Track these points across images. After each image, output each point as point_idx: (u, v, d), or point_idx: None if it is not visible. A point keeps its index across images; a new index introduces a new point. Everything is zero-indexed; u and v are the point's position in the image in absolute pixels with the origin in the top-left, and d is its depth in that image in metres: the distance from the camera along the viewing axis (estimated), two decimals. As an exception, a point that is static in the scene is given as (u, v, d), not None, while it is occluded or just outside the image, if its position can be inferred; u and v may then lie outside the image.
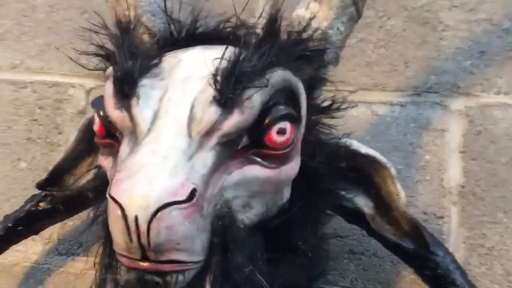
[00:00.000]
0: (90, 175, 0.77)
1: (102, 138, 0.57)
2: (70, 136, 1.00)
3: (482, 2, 0.95)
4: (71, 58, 0.74)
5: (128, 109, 0.52)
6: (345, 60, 0.91)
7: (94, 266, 0.60)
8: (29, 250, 0.96)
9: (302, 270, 0.64)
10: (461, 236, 0.85)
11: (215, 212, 0.49)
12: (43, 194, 0.83)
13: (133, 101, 0.52)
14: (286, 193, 0.60)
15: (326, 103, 0.65)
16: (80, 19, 1.07)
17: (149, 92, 0.53)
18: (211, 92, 0.51)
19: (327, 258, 0.72)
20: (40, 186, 0.78)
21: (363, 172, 0.66)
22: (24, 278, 0.97)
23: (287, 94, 0.56)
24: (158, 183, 0.45)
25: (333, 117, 0.66)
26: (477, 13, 0.94)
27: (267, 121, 0.52)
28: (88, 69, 0.67)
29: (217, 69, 0.52)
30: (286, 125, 0.53)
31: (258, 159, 0.53)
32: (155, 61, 0.57)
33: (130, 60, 0.54)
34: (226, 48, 0.54)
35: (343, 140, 0.65)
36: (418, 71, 0.94)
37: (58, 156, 0.93)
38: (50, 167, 0.80)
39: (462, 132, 0.89)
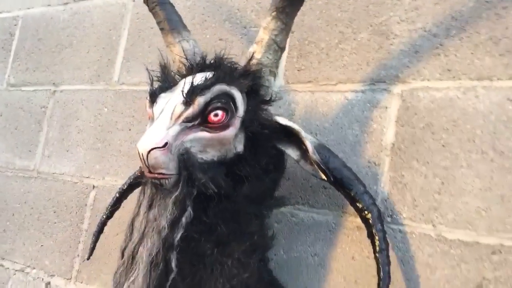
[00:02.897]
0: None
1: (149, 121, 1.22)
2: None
3: (420, 15, 1.33)
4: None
5: (151, 108, 1.15)
6: (329, 64, 1.42)
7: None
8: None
9: (257, 187, 1.19)
10: (388, 176, 1.29)
11: (178, 152, 1.08)
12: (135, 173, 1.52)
13: (154, 105, 1.15)
14: (239, 146, 1.16)
15: (267, 98, 1.19)
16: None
17: (161, 100, 1.14)
18: (181, 98, 1.11)
19: (275, 184, 1.26)
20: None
21: (287, 134, 1.18)
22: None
23: (224, 95, 1.11)
24: (150, 140, 1.06)
25: (271, 105, 1.19)
26: (416, 24, 1.34)
27: (208, 110, 1.10)
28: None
29: (184, 87, 1.11)
30: (218, 111, 1.09)
31: (206, 129, 1.09)
32: (172, 84, 1.19)
33: (152, 84, 1.17)
34: (194, 75, 1.13)
35: (274, 117, 1.18)
36: (375, 68, 1.38)
37: None
38: None
39: (398, 108, 1.32)
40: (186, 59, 1.26)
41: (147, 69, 1.22)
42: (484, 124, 1.19)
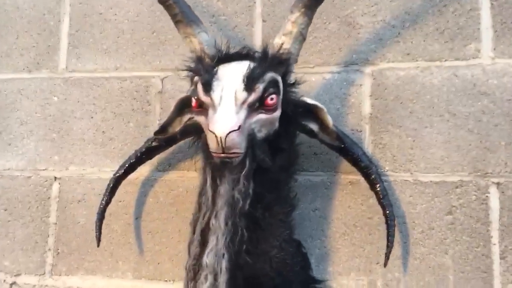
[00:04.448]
0: (178, 127, 1.54)
1: (197, 108, 1.33)
2: (156, 105, 1.78)
3: (380, 10, 1.68)
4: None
5: (209, 95, 1.28)
6: (305, 50, 1.67)
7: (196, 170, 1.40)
8: (141, 169, 1.75)
9: (288, 158, 1.42)
10: (370, 140, 1.63)
11: (248, 132, 1.25)
12: (154, 138, 1.61)
13: (211, 92, 1.28)
14: (276, 124, 1.36)
15: (293, 81, 1.41)
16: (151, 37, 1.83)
17: (216, 87, 1.28)
18: (242, 85, 1.26)
19: (298, 154, 1.50)
20: (156, 133, 1.56)
21: (313, 111, 1.43)
22: (140, 186, 1.77)
23: (274, 82, 1.31)
24: (226, 124, 1.20)
25: (297, 87, 1.42)
26: (377, 17, 1.68)
27: (265, 95, 1.28)
28: (180, 70, 1.45)
29: (244, 74, 1.27)
30: (274, 96, 1.29)
31: (263, 111, 1.28)
32: (215, 72, 1.32)
33: (206, 73, 1.30)
34: (248, 64, 1.30)
35: (302, 98, 1.41)
36: (346, 53, 1.69)
37: (149, 116, 1.73)
38: (145, 124, 1.60)
39: (370, 84, 1.66)
40: (218, 50, 1.39)
41: (190, 60, 1.33)
42: (439, 94, 1.60)
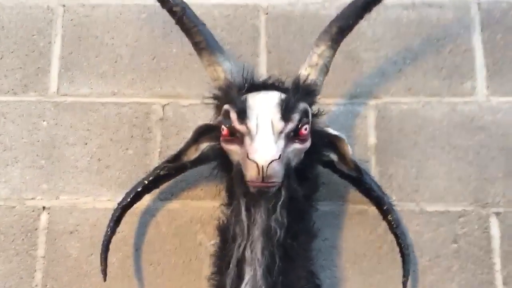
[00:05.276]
0: (193, 155, 1.51)
1: (228, 137, 1.31)
2: (157, 132, 1.73)
3: (382, 46, 1.76)
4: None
5: (245, 124, 1.26)
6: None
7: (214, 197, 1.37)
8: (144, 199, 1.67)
9: (310, 187, 1.43)
10: (376, 170, 1.67)
11: (285, 162, 1.26)
12: (163, 166, 1.55)
13: (247, 121, 1.26)
14: (303, 154, 1.38)
15: (315, 111, 1.43)
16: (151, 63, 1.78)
17: (251, 116, 1.27)
18: (278, 114, 1.27)
19: (319, 184, 1.52)
20: (169, 161, 1.51)
21: (334, 141, 1.45)
22: (140, 216, 1.69)
23: (306, 112, 1.32)
24: (268, 153, 1.19)
25: (318, 118, 1.44)
26: (380, 52, 1.76)
27: (300, 125, 1.29)
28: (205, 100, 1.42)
29: (279, 103, 1.28)
30: (307, 126, 1.31)
31: (297, 141, 1.29)
32: (245, 100, 1.31)
33: (240, 102, 1.29)
34: (282, 93, 1.31)
35: (325, 128, 1.44)
36: (352, 86, 1.74)
37: (149, 143, 1.68)
38: (145, 152, 1.57)
39: (375, 117, 1.72)
40: (244, 81, 1.39)
41: (221, 88, 1.32)
42: (440, 128, 1.69)
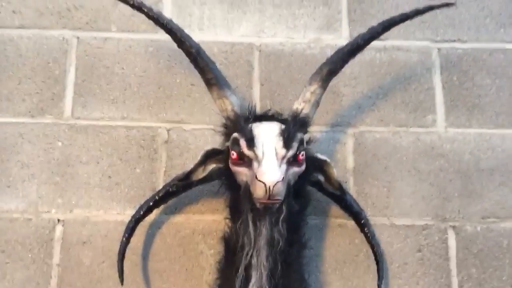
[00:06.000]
0: (201, 175, 1.73)
1: (238, 161, 1.55)
2: (162, 153, 1.95)
3: (359, 83, 2.05)
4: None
5: (252, 150, 1.51)
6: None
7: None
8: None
9: (302, 203, 1.68)
10: (354, 189, 1.95)
11: (286, 182, 1.51)
12: (173, 184, 1.78)
13: (254, 148, 1.51)
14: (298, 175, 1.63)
15: (307, 139, 1.70)
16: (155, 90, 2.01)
17: (258, 143, 1.52)
18: (281, 143, 1.52)
19: (309, 200, 1.77)
20: (180, 179, 1.73)
21: (321, 164, 1.71)
22: (148, 228, 1.90)
23: (301, 141, 1.58)
24: (274, 175, 1.43)
25: (310, 145, 1.70)
26: (357, 88, 2.05)
27: (297, 152, 1.55)
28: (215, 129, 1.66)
29: (280, 133, 1.53)
30: (303, 152, 1.57)
31: (295, 165, 1.55)
32: (251, 130, 1.56)
33: (248, 131, 1.54)
34: (281, 123, 1.56)
35: (314, 154, 1.70)
36: (333, 116, 2.02)
37: (155, 163, 1.90)
38: (151, 170, 1.80)
39: (353, 143, 2.00)
40: (249, 113, 1.64)
41: (232, 116, 1.58)
42: (407, 154, 1.99)
